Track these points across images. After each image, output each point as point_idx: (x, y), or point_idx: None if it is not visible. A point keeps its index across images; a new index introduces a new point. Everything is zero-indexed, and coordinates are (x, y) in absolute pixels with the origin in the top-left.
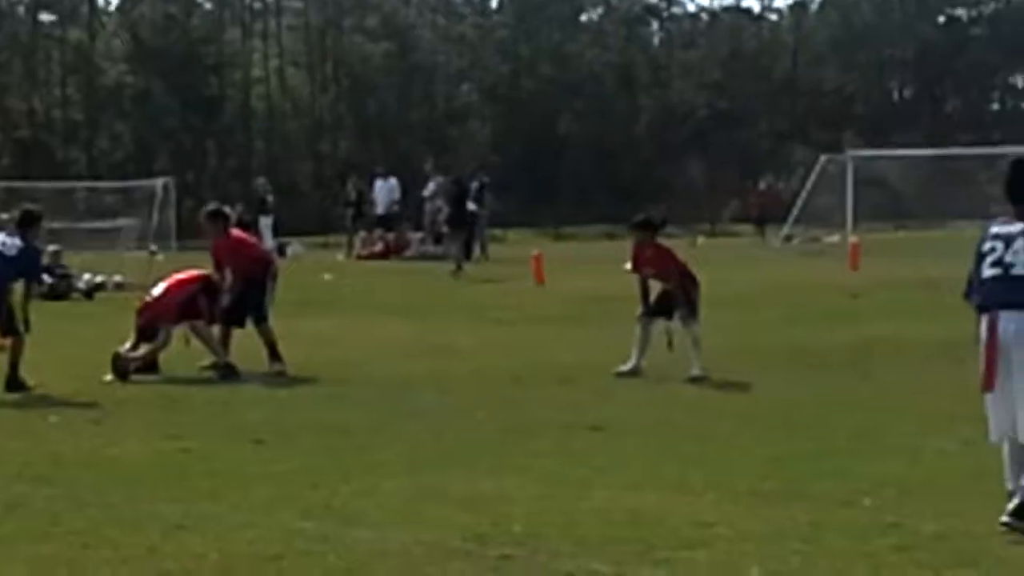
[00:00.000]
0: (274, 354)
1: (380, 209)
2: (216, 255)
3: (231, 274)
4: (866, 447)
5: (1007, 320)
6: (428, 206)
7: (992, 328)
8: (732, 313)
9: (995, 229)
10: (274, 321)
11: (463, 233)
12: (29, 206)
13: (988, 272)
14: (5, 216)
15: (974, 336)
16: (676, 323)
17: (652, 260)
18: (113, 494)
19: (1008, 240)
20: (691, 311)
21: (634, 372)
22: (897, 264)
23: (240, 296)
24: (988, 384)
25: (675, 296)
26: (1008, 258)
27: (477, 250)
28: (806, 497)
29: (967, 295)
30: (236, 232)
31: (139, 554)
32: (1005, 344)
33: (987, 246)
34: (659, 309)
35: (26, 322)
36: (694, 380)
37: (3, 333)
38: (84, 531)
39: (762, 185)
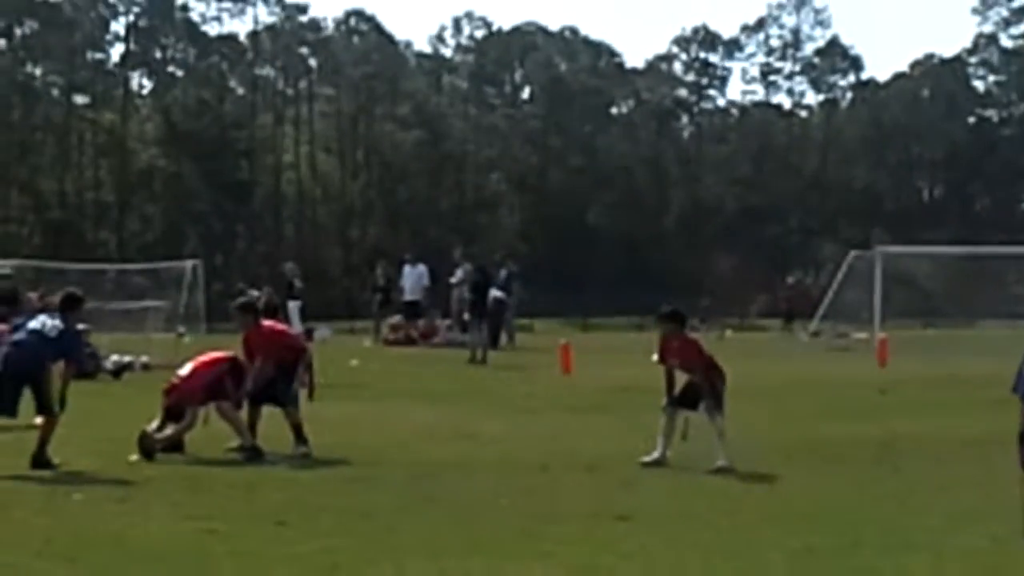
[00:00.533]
0: (299, 436)
1: (408, 295)
2: (247, 345)
3: (263, 361)
4: (891, 542)
5: None
6: (455, 293)
7: None
8: (759, 406)
9: None
10: (301, 405)
11: (484, 321)
12: (72, 290)
13: None
14: (34, 295)
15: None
16: (701, 414)
17: (678, 351)
18: (136, 573)
19: None
20: (716, 403)
21: (659, 462)
22: (925, 361)
23: (271, 380)
24: None
25: (701, 388)
26: None
27: (504, 338)
28: None
29: (1015, 388)
30: (267, 322)
31: None
32: None
33: None
34: (684, 400)
35: (63, 402)
36: (719, 471)
37: (38, 411)
38: None
39: (791, 280)
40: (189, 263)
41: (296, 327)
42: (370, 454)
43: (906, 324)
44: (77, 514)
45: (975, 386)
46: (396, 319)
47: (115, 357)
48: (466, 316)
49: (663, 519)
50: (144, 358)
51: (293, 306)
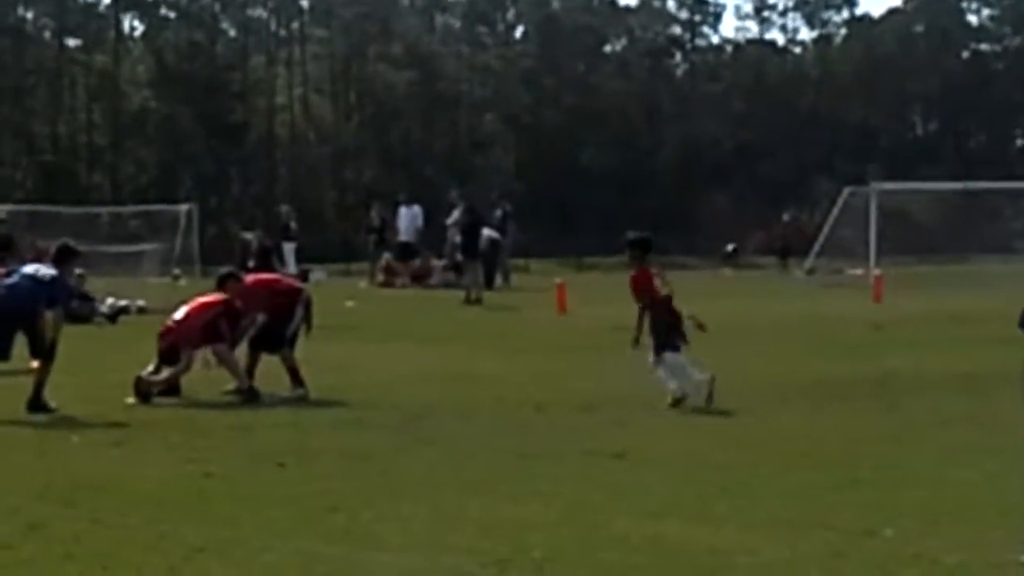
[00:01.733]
0: (295, 379)
1: (403, 236)
2: (245, 305)
3: (252, 314)
4: (888, 478)
5: None
6: (450, 233)
7: None
8: (755, 344)
9: None
10: (297, 347)
11: (478, 261)
12: (66, 241)
13: None
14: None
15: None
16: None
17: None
18: (134, 516)
19: None
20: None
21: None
22: (920, 297)
23: (266, 326)
24: None
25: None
26: None
27: (499, 279)
28: (828, 527)
29: (1021, 323)
30: (251, 277)
31: None
32: None
33: None
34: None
35: (52, 349)
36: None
37: (32, 355)
38: (105, 553)
39: (786, 217)
40: (183, 206)
41: (291, 269)
42: (367, 395)
43: (901, 260)
44: (75, 457)
45: (971, 322)
46: (385, 259)
47: (111, 301)
48: (459, 257)
49: (658, 457)
50: (140, 301)
51: (288, 248)
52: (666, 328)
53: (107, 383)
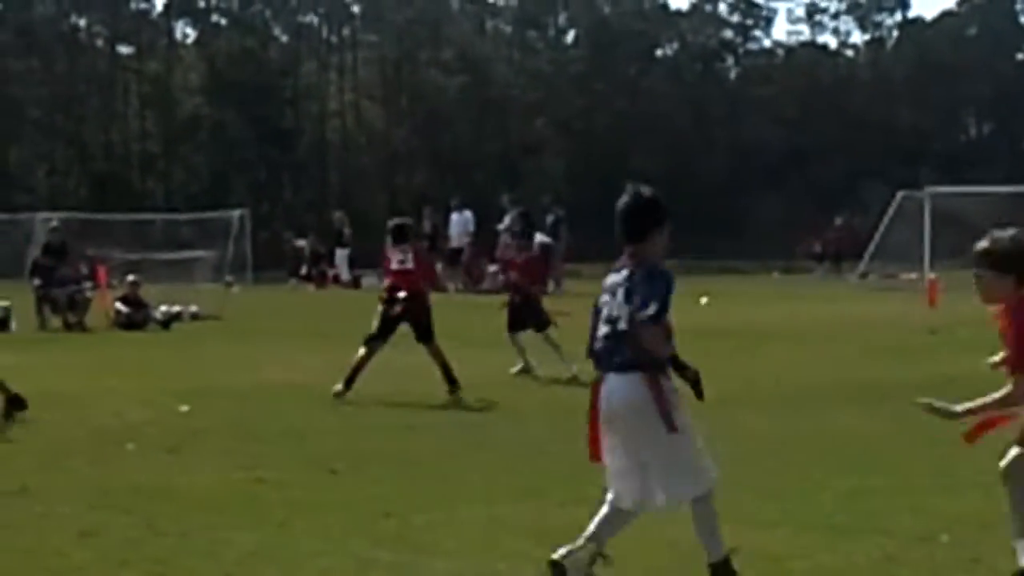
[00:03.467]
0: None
1: (454, 242)
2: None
3: None
4: (943, 483)
5: (612, 383)
6: (503, 239)
7: (595, 392)
8: (809, 348)
9: (607, 279)
10: (350, 352)
11: None
12: None
13: (602, 330)
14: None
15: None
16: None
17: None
18: (188, 522)
19: (613, 291)
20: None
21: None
22: (975, 301)
23: None
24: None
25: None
26: (615, 311)
27: (552, 284)
28: (882, 532)
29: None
30: None
31: None
32: (609, 411)
33: (602, 299)
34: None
35: None
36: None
37: None
38: (160, 559)
39: (838, 221)
40: (236, 212)
41: (344, 275)
42: (419, 400)
43: (956, 264)
44: (130, 465)
45: None
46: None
47: (164, 307)
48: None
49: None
50: (193, 308)
51: (341, 254)
52: None
53: (161, 389)
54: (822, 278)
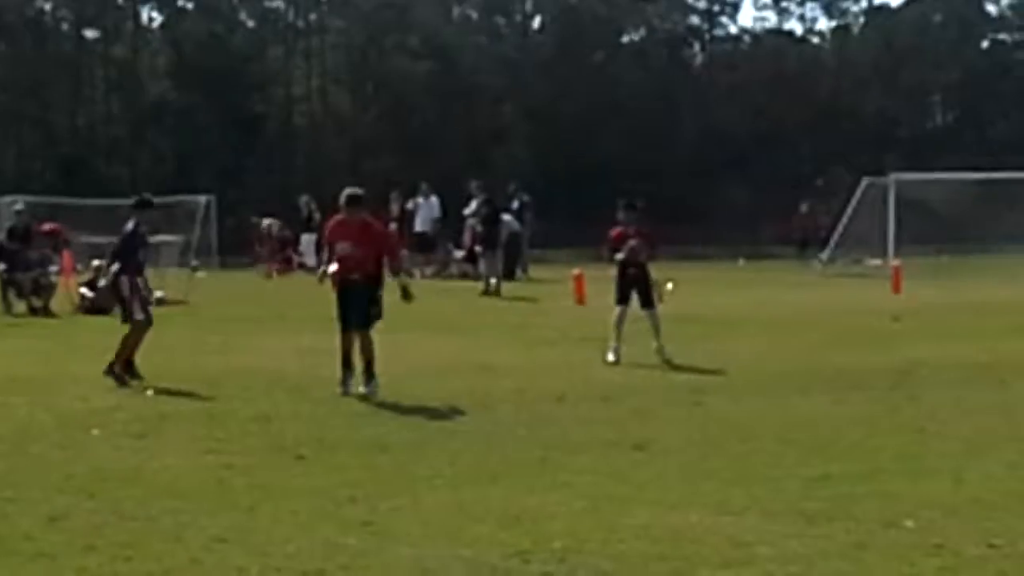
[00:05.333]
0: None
1: (419, 227)
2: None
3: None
4: (909, 468)
5: None
6: (468, 224)
7: None
8: (774, 335)
9: None
10: (317, 338)
11: (497, 252)
12: None
13: None
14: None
15: None
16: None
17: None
18: (155, 507)
19: None
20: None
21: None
22: (939, 287)
23: None
24: None
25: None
26: None
27: (518, 270)
28: (849, 518)
29: None
30: None
31: (181, 566)
32: None
33: None
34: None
35: None
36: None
37: None
38: (127, 543)
39: (803, 208)
40: (202, 198)
41: (310, 260)
42: (386, 387)
43: (920, 251)
44: (96, 449)
45: (991, 312)
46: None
47: None
48: (478, 248)
49: (678, 448)
50: (159, 292)
51: (308, 239)
52: None
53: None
54: (802, 265)
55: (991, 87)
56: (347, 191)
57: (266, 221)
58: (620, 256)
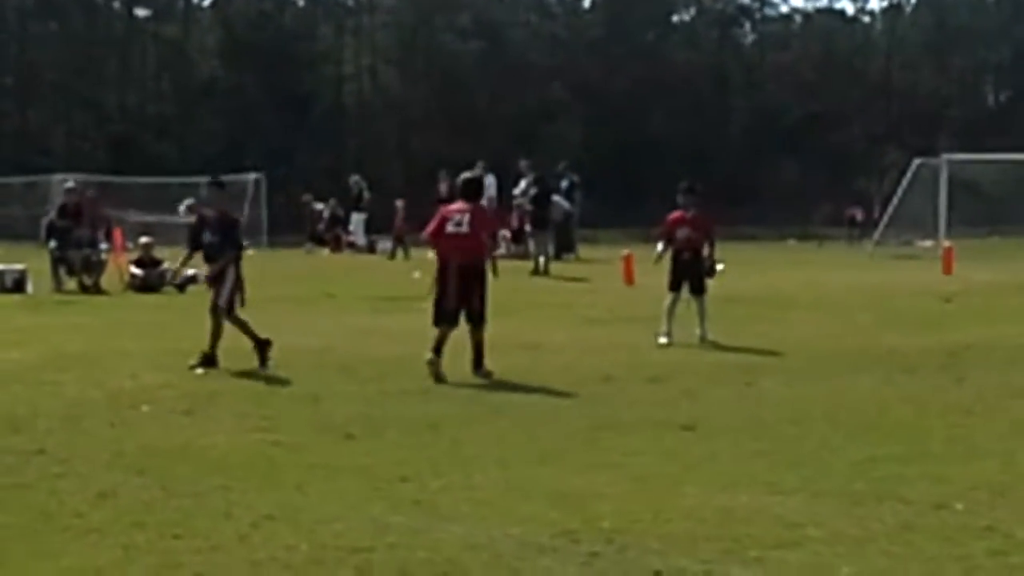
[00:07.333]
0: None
1: None
2: None
3: None
4: (958, 450)
5: None
6: (517, 203)
7: None
8: (824, 316)
9: None
10: (366, 317)
11: (547, 232)
12: None
13: None
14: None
15: None
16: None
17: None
18: (204, 484)
19: None
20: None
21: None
22: (991, 269)
23: None
24: None
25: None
26: None
27: (567, 251)
28: (897, 499)
29: None
30: None
31: (229, 544)
32: None
33: None
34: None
35: None
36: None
37: None
38: (175, 521)
39: (855, 188)
40: (251, 176)
41: (360, 239)
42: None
43: (971, 232)
44: (145, 426)
45: None
46: None
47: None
48: (528, 228)
49: (727, 428)
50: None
51: (358, 218)
52: None
53: (176, 351)
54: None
55: None
56: (464, 175)
57: (319, 205)
58: (660, 249)
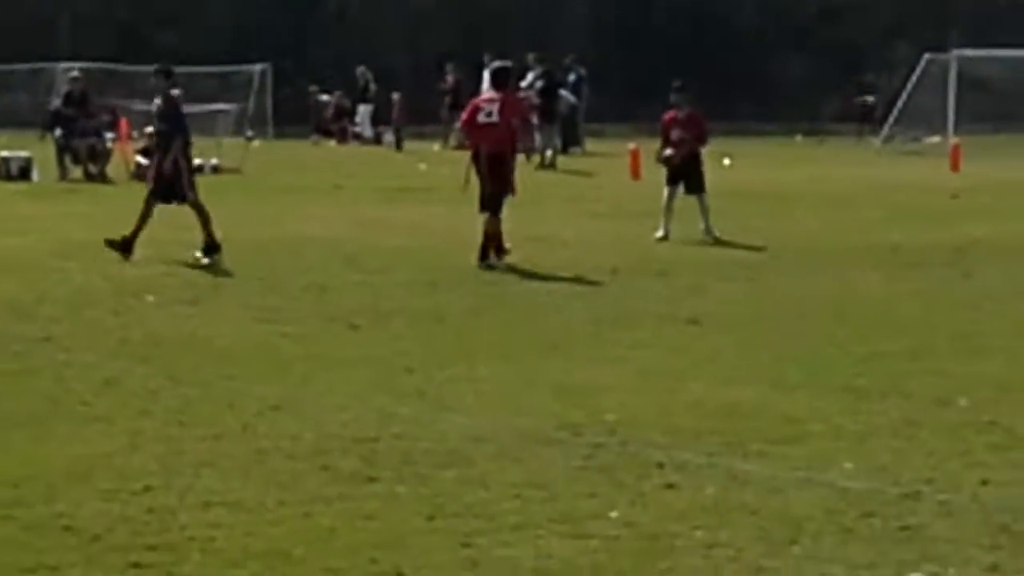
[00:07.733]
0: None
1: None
2: None
3: None
4: (963, 347)
5: None
6: (524, 95)
7: None
8: (831, 211)
9: None
10: (372, 208)
11: (553, 126)
12: None
13: None
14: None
15: None
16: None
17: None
18: (209, 373)
19: None
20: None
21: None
22: (998, 166)
23: None
24: None
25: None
26: None
27: (574, 145)
28: (901, 395)
29: None
30: None
31: (234, 432)
32: None
33: None
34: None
35: None
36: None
37: None
38: (180, 409)
39: (864, 83)
40: (257, 67)
41: (366, 131)
42: (441, 258)
43: (980, 129)
44: (150, 316)
45: None
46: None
47: None
48: (535, 121)
49: (733, 323)
50: (214, 160)
51: (364, 110)
52: None
53: (181, 242)
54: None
55: None
56: (495, 64)
57: (324, 97)
58: (668, 152)
